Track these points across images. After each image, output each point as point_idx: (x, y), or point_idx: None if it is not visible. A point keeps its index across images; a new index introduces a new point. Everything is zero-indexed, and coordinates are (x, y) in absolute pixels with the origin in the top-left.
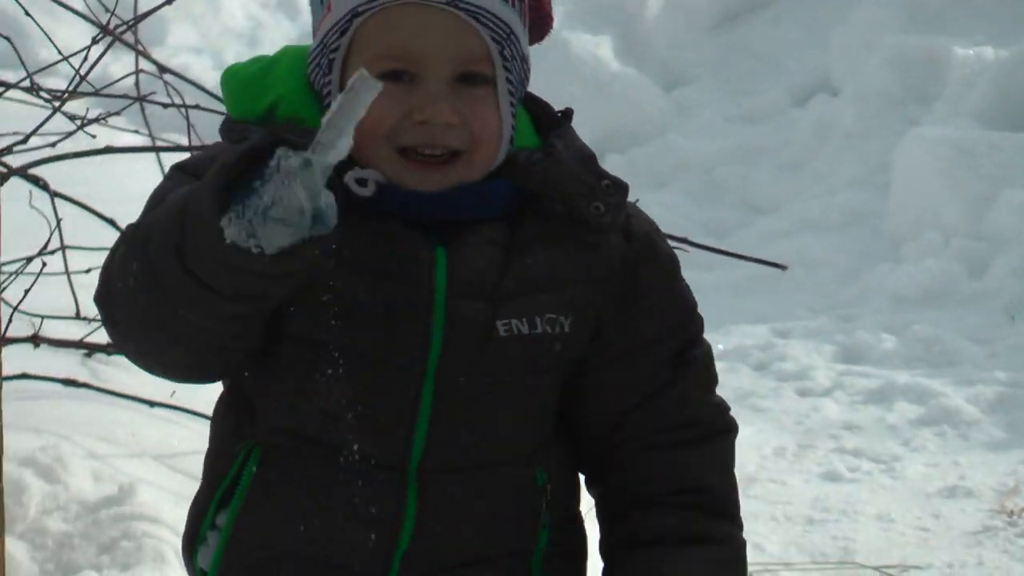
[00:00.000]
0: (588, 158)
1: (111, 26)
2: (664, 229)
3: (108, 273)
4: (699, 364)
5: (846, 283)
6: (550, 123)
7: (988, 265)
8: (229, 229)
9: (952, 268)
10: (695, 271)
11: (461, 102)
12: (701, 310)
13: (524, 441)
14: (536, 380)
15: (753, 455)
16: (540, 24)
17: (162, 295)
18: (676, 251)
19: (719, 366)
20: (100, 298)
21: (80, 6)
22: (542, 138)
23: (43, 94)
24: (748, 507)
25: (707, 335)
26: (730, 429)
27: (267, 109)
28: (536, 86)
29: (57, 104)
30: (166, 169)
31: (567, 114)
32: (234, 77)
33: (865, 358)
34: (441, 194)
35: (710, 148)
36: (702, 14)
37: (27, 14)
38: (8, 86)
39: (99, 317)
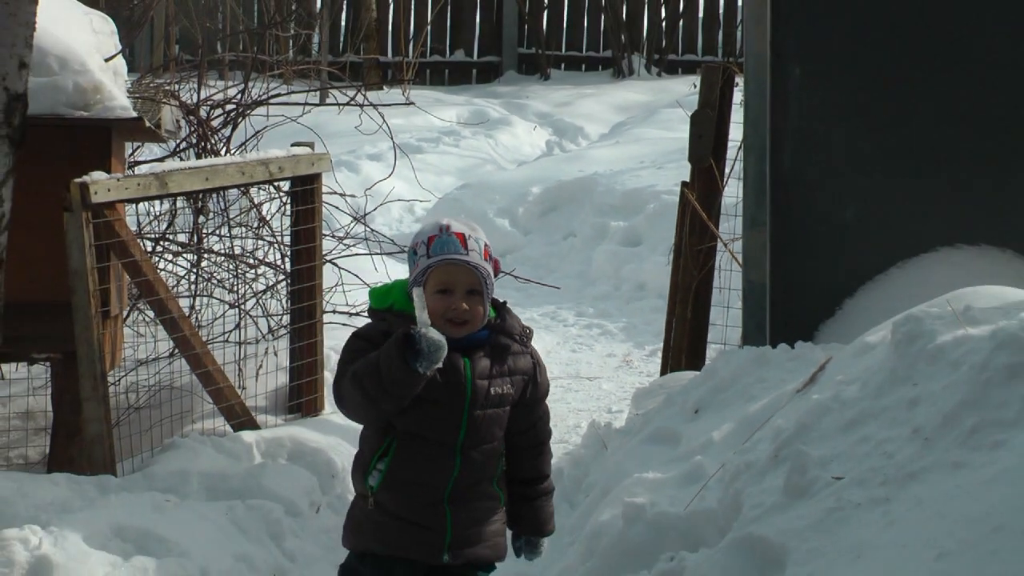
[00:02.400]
0: (517, 320)
1: None
2: None
3: (339, 390)
4: (547, 414)
5: None
6: (497, 305)
7: None
8: (417, 366)
9: None
10: None
11: (470, 303)
12: None
13: (500, 435)
14: (504, 411)
15: None
16: (496, 268)
17: (371, 400)
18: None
19: None
20: (337, 399)
21: None
22: (496, 312)
23: None
24: None
25: None
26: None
27: (389, 305)
28: None
29: None
30: None
31: (504, 303)
32: (375, 292)
33: None
34: (463, 338)
35: None
36: None
37: None
38: None
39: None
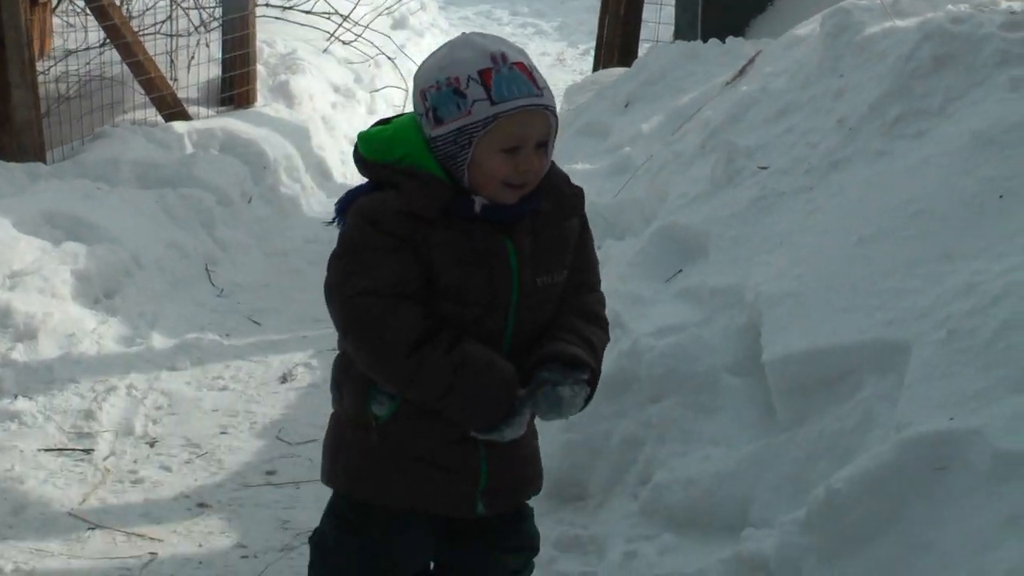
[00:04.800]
0: (564, 175)
1: None
2: None
3: (346, 313)
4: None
5: None
6: None
7: None
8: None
9: None
10: None
11: (538, 159)
12: None
13: (548, 320)
14: (553, 300)
15: None
16: None
17: (384, 381)
18: None
19: None
20: (340, 313)
21: None
22: None
23: None
24: None
25: None
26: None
27: (398, 158)
28: None
29: None
30: None
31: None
32: (372, 138)
33: None
34: (515, 204)
35: None
36: None
37: None
38: None
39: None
